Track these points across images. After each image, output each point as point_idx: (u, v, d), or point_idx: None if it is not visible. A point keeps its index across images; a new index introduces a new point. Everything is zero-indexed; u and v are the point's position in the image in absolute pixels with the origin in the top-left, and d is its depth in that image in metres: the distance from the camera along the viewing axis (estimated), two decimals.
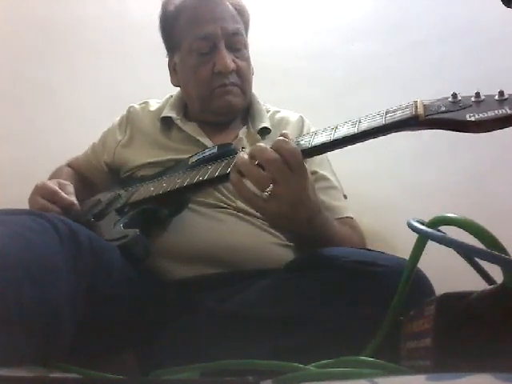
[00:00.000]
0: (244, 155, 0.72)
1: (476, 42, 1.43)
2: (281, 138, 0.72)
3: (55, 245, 0.65)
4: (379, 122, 0.67)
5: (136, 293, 0.81)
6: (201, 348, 0.73)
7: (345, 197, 1.08)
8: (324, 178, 1.06)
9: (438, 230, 0.53)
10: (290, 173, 0.69)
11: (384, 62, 1.54)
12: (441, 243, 0.49)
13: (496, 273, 0.48)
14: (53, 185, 0.95)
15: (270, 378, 0.55)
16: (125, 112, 1.20)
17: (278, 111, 1.17)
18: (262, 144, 0.72)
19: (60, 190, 0.94)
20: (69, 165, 1.22)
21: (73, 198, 0.94)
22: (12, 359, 0.57)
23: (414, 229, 0.53)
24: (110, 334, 0.74)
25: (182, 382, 0.61)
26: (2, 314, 0.55)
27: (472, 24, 1.46)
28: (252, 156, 0.71)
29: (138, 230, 0.82)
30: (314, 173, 1.04)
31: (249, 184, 0.73)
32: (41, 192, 0.94)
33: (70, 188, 0.97)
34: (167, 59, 1.15)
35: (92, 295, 0.69)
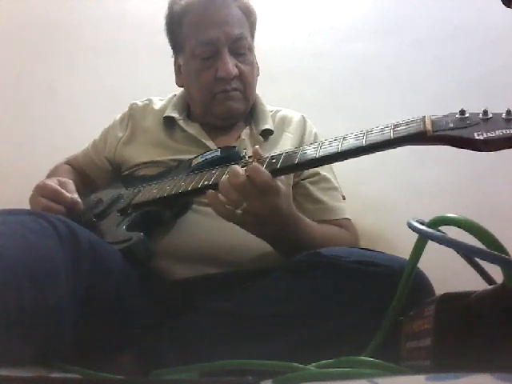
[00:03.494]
0: (226, 178, 0.76)
1: (476, 42, 1.42)
2: (254, 165, 0.75)
3: (55, 245, 0.65)
4: (387, 135, 0.67)
5: (136, 293, 0.81)
6: (201, 348, 0.72)
7: (343, 197, 1.09)
8: (326, 180, 1.07)
9: (438, 230, 0.53)
10: (260, 194, 0.74)
11: (384, 61, 1.53)
12: (441, 243, 0.49)
13: (496, 273, 0.48)
14: (54, 184, 0.94)
15: (270, 377, 0.55)
16: (126, 109, 1.18)
17: (279, 110, 1.17)
18: (237, 168, 0.76)
19: (62, 189, 0.93)
20: (67, 162, 1.20)
21: (75, 196, 0.94)
22: (12, 359, 0.57)
23: (414, 229, 0.54)
24: (110, 334, 0.74)
25: (182, 382, 0.61)
26: (2, 314, 0.55)
27: (472, 24, 1.45)
28: (229, 180, 0.75)
29: (142, 234, 0.82)
30: (317, 174, 1.06)
31: None
32: (42, 192, 0.93)
33: (72, 186, 0.96)
34: (173, 59, 1.14)
35: (92, 295, 0.69)
